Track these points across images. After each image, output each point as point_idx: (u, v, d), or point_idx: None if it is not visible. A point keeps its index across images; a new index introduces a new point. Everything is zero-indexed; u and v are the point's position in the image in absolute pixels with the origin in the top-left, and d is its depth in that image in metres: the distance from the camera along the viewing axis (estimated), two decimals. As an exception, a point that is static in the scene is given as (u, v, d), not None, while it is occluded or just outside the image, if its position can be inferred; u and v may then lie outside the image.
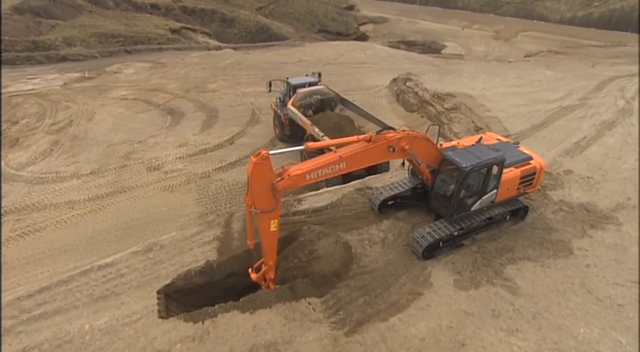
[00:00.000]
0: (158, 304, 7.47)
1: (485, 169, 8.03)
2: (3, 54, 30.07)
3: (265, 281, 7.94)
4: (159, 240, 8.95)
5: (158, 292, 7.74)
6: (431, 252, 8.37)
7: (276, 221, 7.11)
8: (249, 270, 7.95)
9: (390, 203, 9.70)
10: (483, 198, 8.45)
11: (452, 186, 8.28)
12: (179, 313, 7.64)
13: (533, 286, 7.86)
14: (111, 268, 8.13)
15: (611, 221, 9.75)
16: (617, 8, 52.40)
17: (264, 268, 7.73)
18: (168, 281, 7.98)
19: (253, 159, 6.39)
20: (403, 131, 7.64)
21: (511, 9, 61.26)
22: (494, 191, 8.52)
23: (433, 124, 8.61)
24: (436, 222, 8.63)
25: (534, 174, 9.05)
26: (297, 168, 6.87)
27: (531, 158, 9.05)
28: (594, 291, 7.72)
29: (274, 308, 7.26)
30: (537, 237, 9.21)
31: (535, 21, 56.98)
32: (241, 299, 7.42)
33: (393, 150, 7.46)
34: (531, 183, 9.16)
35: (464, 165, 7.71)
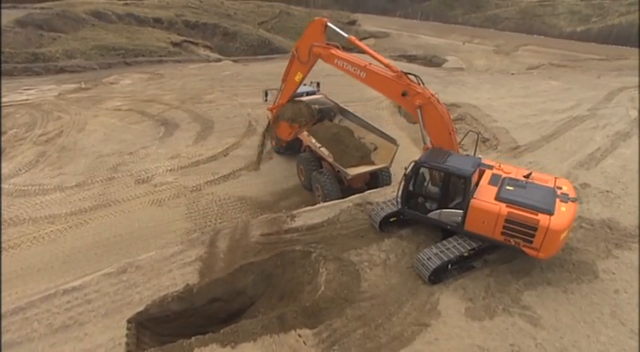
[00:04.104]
0: (127, 336, 6.54)
1: (443, 175, 7.52)
2: (1, 65, 29.90)
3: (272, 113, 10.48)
4: (135, 260, 8.08)
5: (129, 321, 6.82)
6: (438, 275, 7.44)
7: (301, 75, 9.34)
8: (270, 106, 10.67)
9: (392, 220, 8.83)
10: (444, 210, 7.73)
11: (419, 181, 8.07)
12: (152, 345, 6.71)
13: (556, 316, 6.88)
14: (77, 292, 7.23)
15: (637, 239, 8.81)
16: (615, 24, 52.65)
17: (277, 104, 10.38)
18: (142, 308, 7.07)
19: (316, 19, 8.59)
20: (432, 94, 7.84)
21: (511, 24, 61.60)
22: (460, 212, 7.51)
23: (472, 131, 8.27)
24: (444, 242, 7.73)
25: (534, 229, 6.92)
26: (336, 50, 8.56)
27: (549, 212, 6.94)
28: (628, 322, 6.73)
29: (259, 342, 6.31)
30: (556, 257, 8.22)
31: (535, 35, 57.12)
32: (221, 331, 6.48)
33: (404, 95, 7.72)
34: (531, 241, 7.05)
35: (419, 159, 7.65)
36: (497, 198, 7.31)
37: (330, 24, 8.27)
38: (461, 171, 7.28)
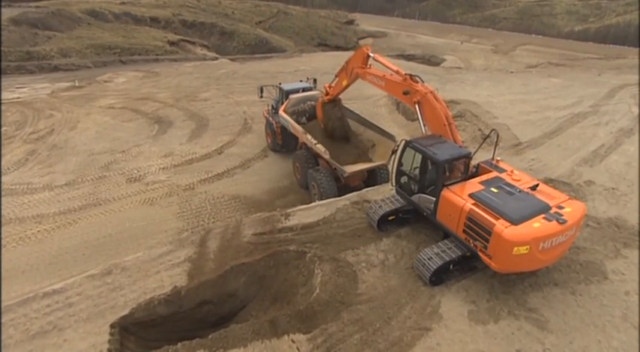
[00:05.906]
0: (109, 341, 6.14)
1: (421, 158, 7.58)
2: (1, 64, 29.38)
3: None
4: (121, 261, 7.69)
5: (112, 326, 6.43)
6: (440, 276, 7.08)
7: (346, 82, 10.89)
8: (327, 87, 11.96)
9: (390, 218, 8.48)
10: (422, 194, 7.81)
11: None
12: (137, 350, 6.38)
13: (564, 319, 6.52)
14: (58, 296, 6.83)
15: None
16: (612, 24, 52.67)
17: (330, 91, 11.81)
18: (126, 311, 6.69)
19: (363, 48, 10.09)
20: (431, 91, 8.37)
21: (509, 24, 61.48)
22: (433, 200, 7.44)
23: (493, 131, 8.81)
24: (445, 241, 7.37)
25: (489, 233, 6.37)
26: (372, 69, 9.96)
27: (512, 221, 6.27)
28: (640, 326, 6.39)
29: (250, 348, 5.94)
30: (563, 257, 7.90)
31: (533, 35, 56.94)
32: (210, 336, 6.10)
33: (406, 93, 8.60)
34: (486, 247, 6.49)
35: (407, 139, 8.00)
36: (470, 195, 6.97)
37: (370, 53, 10.06)
38: (435, 156, 7.19)
